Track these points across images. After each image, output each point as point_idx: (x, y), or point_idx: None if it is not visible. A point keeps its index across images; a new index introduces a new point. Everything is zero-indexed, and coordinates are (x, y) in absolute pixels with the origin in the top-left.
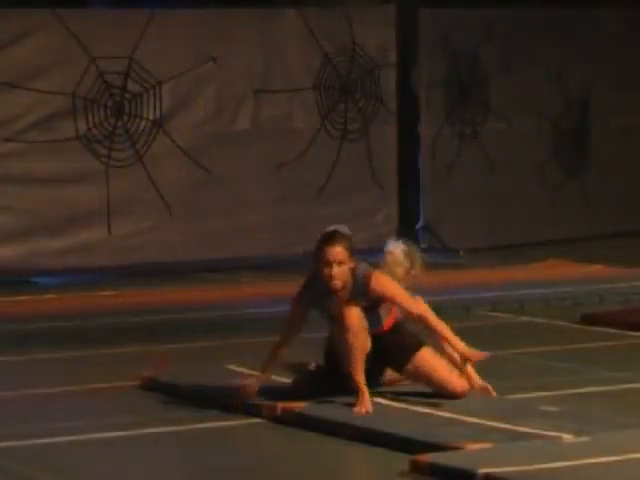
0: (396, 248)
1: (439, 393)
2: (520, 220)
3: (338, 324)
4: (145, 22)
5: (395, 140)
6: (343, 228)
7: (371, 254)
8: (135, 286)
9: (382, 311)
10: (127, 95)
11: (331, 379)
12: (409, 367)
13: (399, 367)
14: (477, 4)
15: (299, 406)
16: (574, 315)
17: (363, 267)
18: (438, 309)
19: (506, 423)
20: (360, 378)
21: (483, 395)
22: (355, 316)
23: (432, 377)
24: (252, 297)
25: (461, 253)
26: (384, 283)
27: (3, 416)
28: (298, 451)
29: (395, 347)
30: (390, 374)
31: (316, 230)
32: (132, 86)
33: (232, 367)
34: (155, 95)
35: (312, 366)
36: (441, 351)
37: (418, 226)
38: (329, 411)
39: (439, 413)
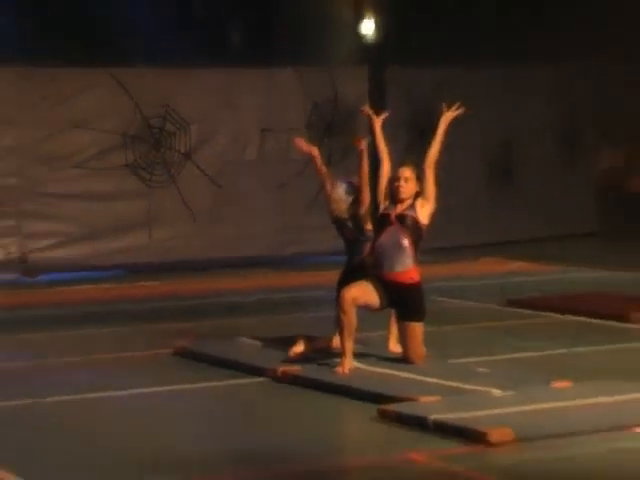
0: (337, 189)
1: (405, 357)
2: (463, 227)
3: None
4: (177, 78)
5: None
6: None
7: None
8: (169, 278)
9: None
10: (164, 133)
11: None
12: (406, 324)
13: (401, 316)
14: (430, 66)
15: (295, 369)
16: (502, 300)
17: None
18: None
19: (450, 382)
20: (347, 345)
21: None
22: (347, 300)
23: (410, 343)
24: (257, 287)
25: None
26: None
27: (68, 376)
28: (291, 402)
29: (414, 303)
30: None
31: (306, 235)
32: (168, 126)
33: (245, 339)
34: (185, 133)
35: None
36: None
37: None
38: (317, 373)
39: (401, 374)
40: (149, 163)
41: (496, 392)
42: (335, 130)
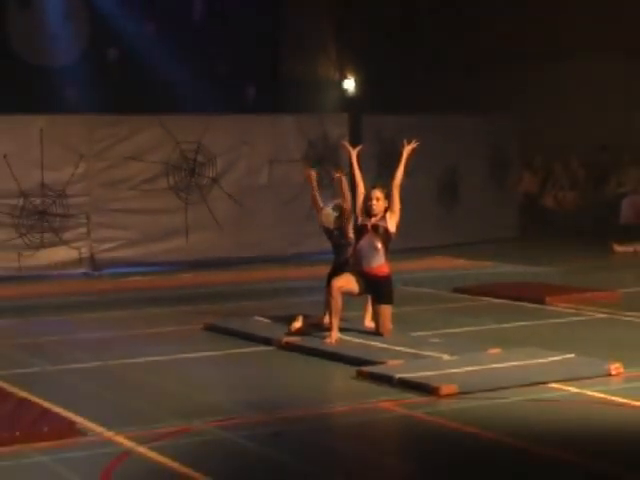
0: (327, 207)
1: (377, 331)
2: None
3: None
4: (206, 122)
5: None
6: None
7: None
8: (201, 272)
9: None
10: (197, 163)
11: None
12: (378, 306)
13: (375, 301)
14: (396, 113)
15: (295, 340)
16: (449, 288)
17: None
18: None
19: (411, 349)
20: (335, 322)
21: (397, 335)
22: (335, 288)
23: (381, 320)
24: (266, 278)
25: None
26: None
27: (111, 346)
28: (292, 366)
29: (384, 290)
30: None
31: (304, 240)
32: (200, 158)
33: (258, 318)
34: (212, 164)
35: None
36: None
37: None
38: (312, 343)
39: (375, 344)
40: (186, 186)
41: (445, 357)
42: (324, 161)
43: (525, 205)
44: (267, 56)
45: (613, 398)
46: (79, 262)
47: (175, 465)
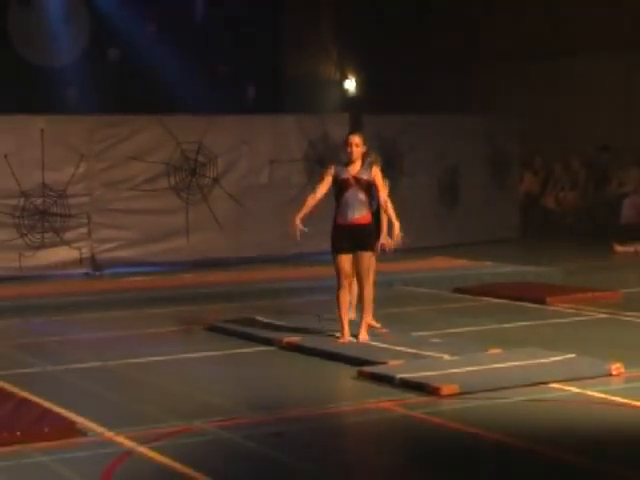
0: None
1: (356, 279)
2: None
3: (346, 193)
4: (207, 122)
5: None
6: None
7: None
8: (201, 272)
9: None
10: (198, 164)
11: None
12: (359, 253)
13: (357, 248)
14: (395, 113)
15: (296, 339)
16: (450, 288)
17: (372, 159)
18: (375, 284)
19: (412, 349)
20: (345, 320)
21: (398, 335)
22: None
23: (361, 267)
24: (267, 278)
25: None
26: (378, 173)
27: (111, 346)
28: (292, 366)
29: (367, 238)
30: None
31: (303, 240)
32: (200, 158)
33: (258, 317)
34: (213, 164)
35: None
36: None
37: None
38: (314, 343)
39: (375, 344)
40: (187, 186)
41: (446, 357)
42: (325, 161)
43: (526, 205)
44: (268, 56)
45: (614, 398)
46: (80, 262)
47: (175, 465)
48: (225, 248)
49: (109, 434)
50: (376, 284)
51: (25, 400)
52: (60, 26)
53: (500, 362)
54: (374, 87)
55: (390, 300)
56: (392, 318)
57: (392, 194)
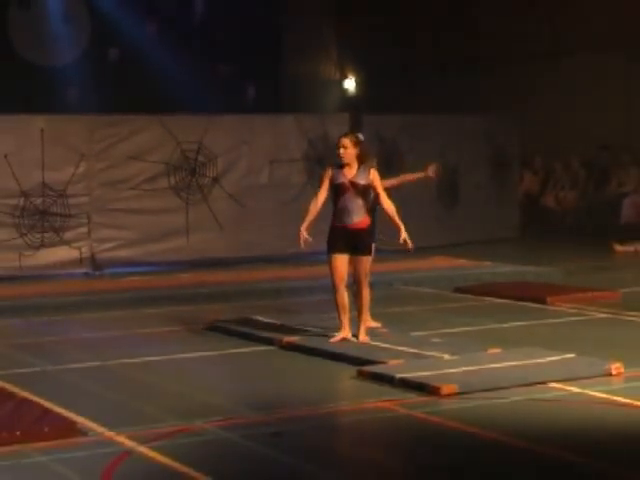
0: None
1: (354, 282)
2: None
3: (342, 197)
4: (207, 122)
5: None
6: (359, 134)
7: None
8: (201, 271)
9: (365, 208)
10: (198, 163)
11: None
12: (357, 258)
13: (355, 253)
14: (395, 113)
15: (296, 339)
16: (450, 287)
17: (370, 163)
18: (373, 284)
19: (412, 349)
20: (345, 321)
21: (398, 334)
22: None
23: (359, 271)
24: (266, 278)
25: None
26: (377, 177)
27: (111, 346)
28: (292, 366)
29: (364, 242)
30: None
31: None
32: (200, 158)
33: (258, 317)
34: (213, 164)
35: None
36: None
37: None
38: (314, 343)
39: (375, 344)
40: (187, 186)
41: (446, 357)
42: (325, 160)
43: (526, 205)
44: (267, 56)
45: (614, 398)
46: (80, 262)
47: (175, 465)
48: (225, 248)
49: (109, 434)
50: (372, 285)
51: (25, 400)
52: (60, 26)
53: (500, 362)
54: (374, 87)
55: (390, 300)
56: (392, 318)
57: (392, 194)
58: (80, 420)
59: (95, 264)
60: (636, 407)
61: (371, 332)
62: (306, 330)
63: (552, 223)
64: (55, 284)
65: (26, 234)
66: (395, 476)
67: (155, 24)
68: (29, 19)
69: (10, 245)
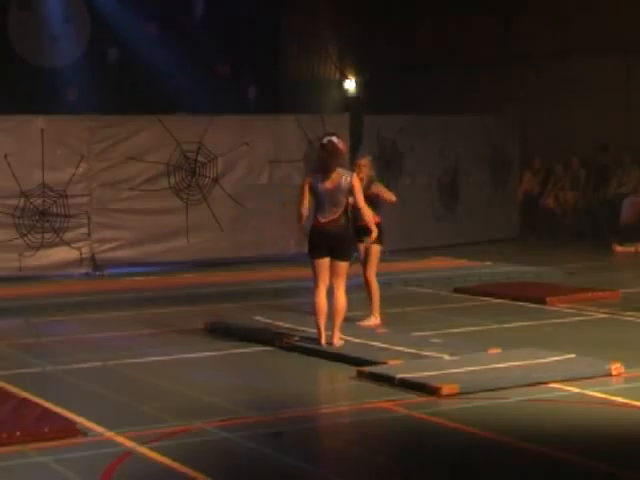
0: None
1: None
2: (419, 232)
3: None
4: (207, 122)
5: None
6: (337, 138)
7: None
8: (201, 272)
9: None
10: (198, 164)
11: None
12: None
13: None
14: (396, 113)
15: (296, 340)
16: (450, 288)
17: (350, 171)
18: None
19: (411, 349)
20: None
21: (397, 334)
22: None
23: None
24: (266, 278)
25: (385, 252)
26: (356, 181)
27: (111, 346)
28: (292, 366)
29: (343, 245)
30: None
31: (305, 240)
32: (200, 159)
33: (258, 318)
34: (213, 164)
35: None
36: None
37: None
38: (313, 343)
39: (374, 344)
40: (187, 186)
41: (446, 357)
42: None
43: (526, 205)
44: (268, 56)
45: (613, 398)
46: (80, 262)
47: (175, 465)
48: (225, 248)
49: (109, 434)
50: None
51: (25, 400)
52: (60, 27)
53: (500, 362)
54: (374, 87)
55: (390, 300)
56: (392, 318)
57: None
58: (80, 420)
59: (95, 264)
60: (636, 407)
61: (371, 332)
62: (306, 330)
63: (552, 223)
64: (55, 284)
65: (26, 234)
66: (395, 476)
67: (155, 24)
68: (29, 20)
69: (10, 245)
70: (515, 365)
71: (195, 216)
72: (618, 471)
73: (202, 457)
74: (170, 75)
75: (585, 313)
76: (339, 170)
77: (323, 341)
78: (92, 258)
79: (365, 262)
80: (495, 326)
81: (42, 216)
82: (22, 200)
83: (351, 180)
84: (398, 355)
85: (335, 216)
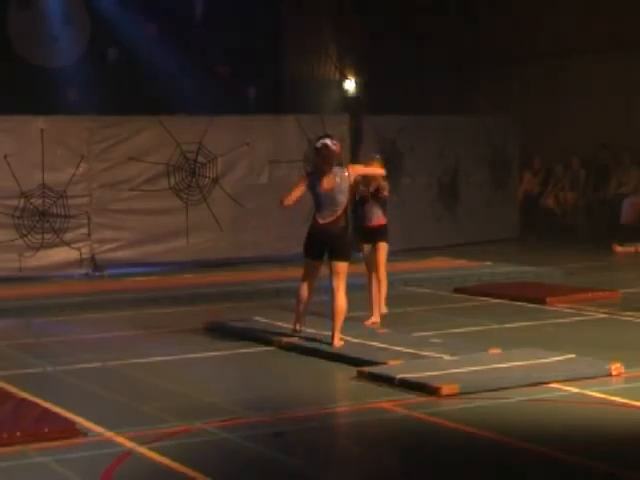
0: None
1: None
2: (419, 232)
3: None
4: (207, 123)
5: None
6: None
7: None
8: (201, 272)
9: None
10: (197, 164)
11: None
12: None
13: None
14: (396, 113)
15: (296, 340)
16: (449, 288)
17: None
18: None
19: (411, 349)
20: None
21: (398, 334)
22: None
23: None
24: (266, 278)
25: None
26: (354, 165)
27: (111, 346)
28: (292, 366)
29: (342, 245)
30: None
31: (302, 240)
32: (200, 159)
33: (258, 318)
34: (213, 164)
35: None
36: None
37: None
38: (313, 343)
39: (374, 344)
40: (186, 186)
41: (446, 357)
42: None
43: (525, 205)
44: (268, 56)
45: (613, 398)
46: (80, 263)
47: (175, 465)
48: (225, 248)
49: (109, 434)
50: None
51: (25, 400)
52: (60, 27)
53: (500, 362)
54: (374, 87)
55: (390, 300)
56: (392, 318)
57: (392, 194)
58: (80, 420)
59: (95, 265)
60: (636, 407)
61: (371, 332)
62: (306, 330)
63: (552, 223)
64: (55, 285)
65: (26, 235)
66: (395, 476)
67: (155, 24)
68: (29, 20)
69: (10, 246)
70: (515, 365)
71: (195, 216)
72: (618, 471)
73: (202, 457)
74: (170, 75)
75: (585, 313)
76: (335, 170)
77: (297, 327)
78: (92, 258)
79: (375, 262)
80: (495, 326)
81: (42, 216)
82: (22, 200)
83: (348, 173)
84: (398, 355)
85: (334, 217)
